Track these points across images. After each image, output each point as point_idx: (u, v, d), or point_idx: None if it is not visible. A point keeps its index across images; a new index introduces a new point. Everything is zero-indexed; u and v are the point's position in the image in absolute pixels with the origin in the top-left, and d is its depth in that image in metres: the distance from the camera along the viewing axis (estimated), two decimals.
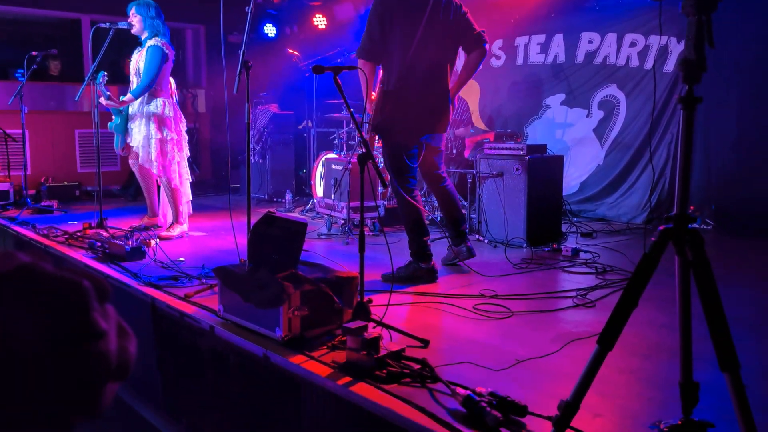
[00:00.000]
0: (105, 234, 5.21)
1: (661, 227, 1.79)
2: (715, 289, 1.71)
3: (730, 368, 1.69)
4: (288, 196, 7.30)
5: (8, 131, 7.50)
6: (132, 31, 5.40)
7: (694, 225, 1.79)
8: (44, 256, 0.52)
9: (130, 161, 5.63)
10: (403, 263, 4.27)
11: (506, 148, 5.51)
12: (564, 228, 5.70)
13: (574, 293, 3.84)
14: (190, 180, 5.65)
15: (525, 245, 5.21)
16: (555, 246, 5.19)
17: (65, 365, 0.48)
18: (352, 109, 3.05)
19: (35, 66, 6.87)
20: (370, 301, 3.05)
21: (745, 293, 3.90)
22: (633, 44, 6.68)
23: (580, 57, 7.12)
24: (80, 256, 4.70)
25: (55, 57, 8.50)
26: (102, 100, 5.31)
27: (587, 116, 7.11)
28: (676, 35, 6.23)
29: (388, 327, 2.94)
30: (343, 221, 5.84)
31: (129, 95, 5.31)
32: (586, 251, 5.02)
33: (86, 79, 5.39)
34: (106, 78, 5.32)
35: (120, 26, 5.36)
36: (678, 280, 1.87)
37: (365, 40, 4.14)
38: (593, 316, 3.41)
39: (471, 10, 4.33)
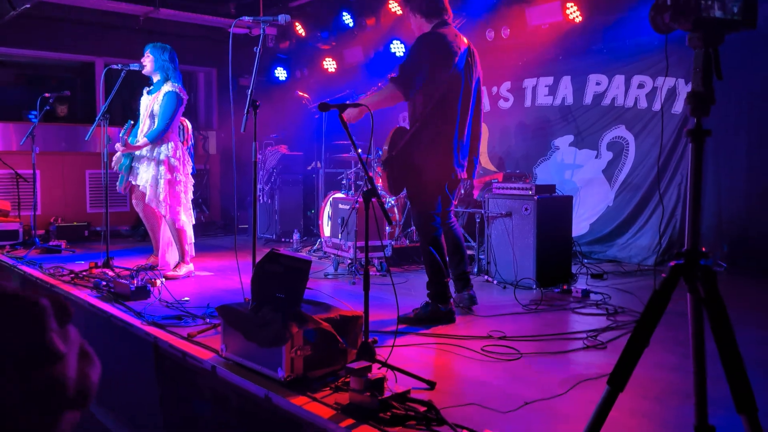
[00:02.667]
0: (111, 273, 5.18)
1: (672, 263, 1.74)
2: (729, 327, 1.65)
3: (747, 410, 1.62)
4: (296, 236, 7.28)
5: (20, 171, 7.57)
6: (143, 72, 5.47)
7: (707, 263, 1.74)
8: (7, 276, 0.49)
9: (134, 201, 5.63)
10: (410, 304, 4.21)
11: (515, 188, 5.49)
12: (574, 269, 5.63)
13: (584, 335, 3.76)
14: (193, 222, 5.64)
15: (534, 286, 5.14)
16: (565, 287, 5.11)
17: (16, 388, 0.44)
18: (360, 150, 3.04)
19: (48, 107, 6.96)
20: (375, 341, 2.99)
21: (759, 334, 3.80)
22: (641, 86, 6.69)
23: (588, 99, 7.14)
24: (85, 295, 4.67)
25: (65, 100, 8.63)
26: (118, 146, 5.33)
27: (596, 157, 7.10)
28: (684, 77, 6.24)
29: (393, 368, 2.87)
30: (349, 261, 5.79)
31: (144, 139, 5.33)
32: (596, 292, 4.94)
33: (97, 119, 5.44)
34: (133, 127, 5.37)
35: (132, 67, 5.43)
36: (690, 319, 1.81)
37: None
38: (604, 358, 3.33)
39: (479, 52, 4.36)
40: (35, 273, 5.62)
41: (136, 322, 3.90)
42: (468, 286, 4.39)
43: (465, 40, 4.23)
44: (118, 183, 5.61)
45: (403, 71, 4.00)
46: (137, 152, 5.44)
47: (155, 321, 3.89)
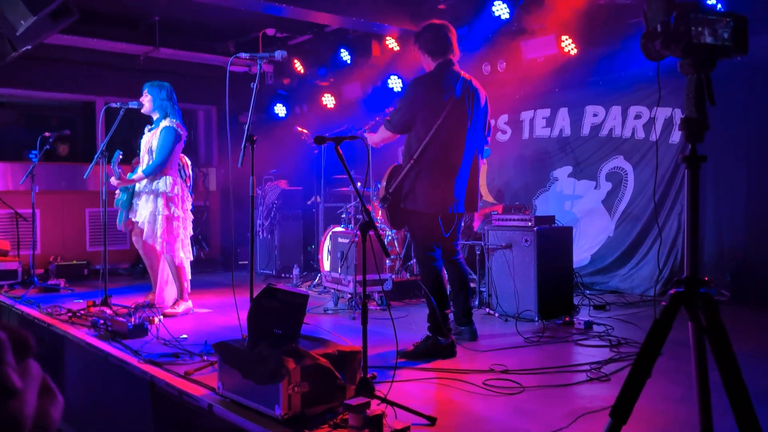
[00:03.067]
0: (108, 311, 5.14)
1: (672, 291, 1.71)
2: (732, 356, 1.61)
3: None
4: (295, 271, 7.23)
5: (20, 211, 7.57)
6: (142, 111, 5.50)
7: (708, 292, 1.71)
8: None
9: (133, 237, 5.61)
10: (410, 338, 4.15)
11: (514, 220, 5.47)
12: (576, 300, 5.58)
13: (587, 367, 3.70)
14: (192, 259, 5.61)
15: (536, 318, 5.08)
16: (567, 319, 5.05)
17: None
18: (359, 184, 3.03)
19: (48, 147, 6.99)
20: (374, 376, 2.94)
21: (762, 363, 3.74)
22: (638, 116, 6.72)
23: (585, 130, 7.17)
24: (82, 334, 4.62)
25: (65, 139, 8.67)
26: (113, 180, 5.33)
27: (595, 188, 7.09)
28: (680, 106, 6.27)
29: (392, 404, 2.82)
30: (349, 295, 5.74)
31: (140, 173, 5.34)
32: (599, 324, 4.88)
33: (95, 157, 5.45)
34: (121, 158, 5.36)
35: (130, 106, 5.46)
36: (693, 348, 1.78)
37: None
38: (608, 391, 3.27)
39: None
40: (33, 312, 5.57)
41: (133, 360, 3.85)
42: (470, 322, 4.40)
43: (466, 75, 4.29)
44: (117, 220, 5.59)
45: (392, 116, 4.28)
46: (137, 188, 5.44)
47: (152, 359, 3.83)
